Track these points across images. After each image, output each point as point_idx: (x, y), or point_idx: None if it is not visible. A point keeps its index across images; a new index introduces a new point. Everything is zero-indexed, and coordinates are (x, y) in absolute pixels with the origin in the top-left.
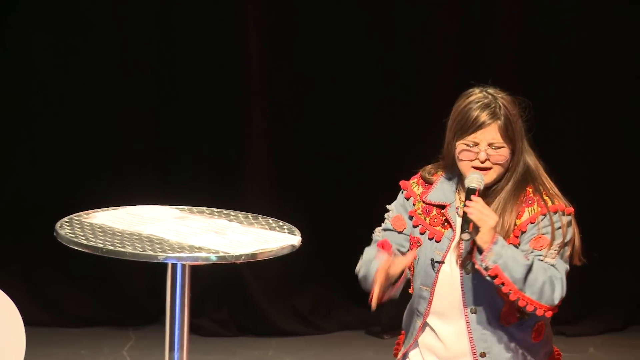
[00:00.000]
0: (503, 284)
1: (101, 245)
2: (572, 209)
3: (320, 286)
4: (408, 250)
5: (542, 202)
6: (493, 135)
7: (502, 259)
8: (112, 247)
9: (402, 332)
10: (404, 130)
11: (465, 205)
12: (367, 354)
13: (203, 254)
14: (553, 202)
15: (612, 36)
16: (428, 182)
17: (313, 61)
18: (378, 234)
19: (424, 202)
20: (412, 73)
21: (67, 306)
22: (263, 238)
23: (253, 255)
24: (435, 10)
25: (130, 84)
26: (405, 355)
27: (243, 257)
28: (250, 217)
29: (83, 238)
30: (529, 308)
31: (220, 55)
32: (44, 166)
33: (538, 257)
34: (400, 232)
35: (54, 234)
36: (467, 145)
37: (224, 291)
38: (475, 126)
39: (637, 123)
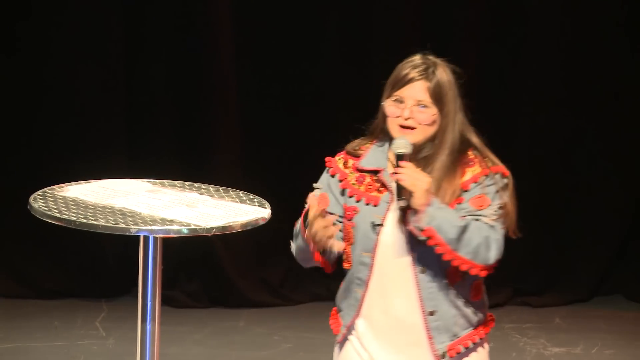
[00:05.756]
0: (437, 245)
1: (74, 218)
2: (509, 173)
3: (290, 258)
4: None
5: (484, 163)
6: (420, 93)
7: (435, 220)
8: (85, 220)
9: (334, 308)
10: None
11: (395, 173)
12: None
13: (175, 227)
14: (494, 164)
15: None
16: (355, 156)
17: (280, 36)
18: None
19: (358, 170)
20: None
21: (41, 279)
22: (233, 211)
23: (224, 228)
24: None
25: (100, 59)
26: (350, 328)
27: (214, 230)
28: (221, 190)
29: (56, 211)
30: (463, 267)
31: (189, 29)
32: (15, 141)
33: (478, 216)
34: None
35: (28, 207)
36: (395, 101)
37: (196, 263)
38: (403, 82)
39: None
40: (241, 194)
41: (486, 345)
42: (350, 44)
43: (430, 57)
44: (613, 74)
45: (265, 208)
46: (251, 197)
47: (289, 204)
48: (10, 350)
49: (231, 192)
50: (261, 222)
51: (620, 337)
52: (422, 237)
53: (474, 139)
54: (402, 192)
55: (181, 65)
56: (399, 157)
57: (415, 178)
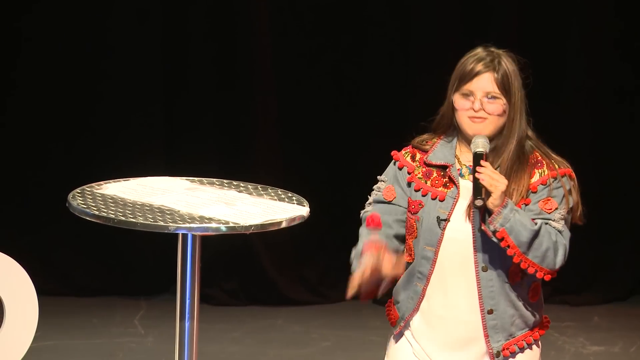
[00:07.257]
0: (509, 246)
1: (113, 216)
2: (574, 175)
3: (329, 256)
4: (404, 217)
5: (552, 165)
6: (488, 84)
7: (509, 222)
8: (123, 218)
9: (391, 300)
10: (412, 97)
11: (475, 172)
12: (375, 323)
13: (213, 225)
14: (560, 167)
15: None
16: (422, 150)
17: (317, 31)
18: (367, 208)
19: (425, 164)
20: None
21: (79, 276)
22: (272, 209)
23: (262, 225)
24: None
25: (140, 56)
26: (407, 321)
27: (252, 228)
28: (260, 188)
29: (95, 209)
30: (530, 270)
31: (227, 25)
32: (54, 138)
33: (546, 220)
34: (389, 202)
35: (66, 204)
36: (463, 94)
37: (234, 261)
38: (471, 75)
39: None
40: (280, 192)
41: (540, 345)
42: (389, 45)
43: (493, 49)
44: None
45: (304, 206)
46: (290, 195)
47: (327, 202)
48: (49, 348)
49: (270, 190)
50: (300, 220)
51: None
52: (494, 238)
53: (532, 132)
54: (479, 191)
55: (220, 63)
56: (478, 156)
57: (494, 179)
